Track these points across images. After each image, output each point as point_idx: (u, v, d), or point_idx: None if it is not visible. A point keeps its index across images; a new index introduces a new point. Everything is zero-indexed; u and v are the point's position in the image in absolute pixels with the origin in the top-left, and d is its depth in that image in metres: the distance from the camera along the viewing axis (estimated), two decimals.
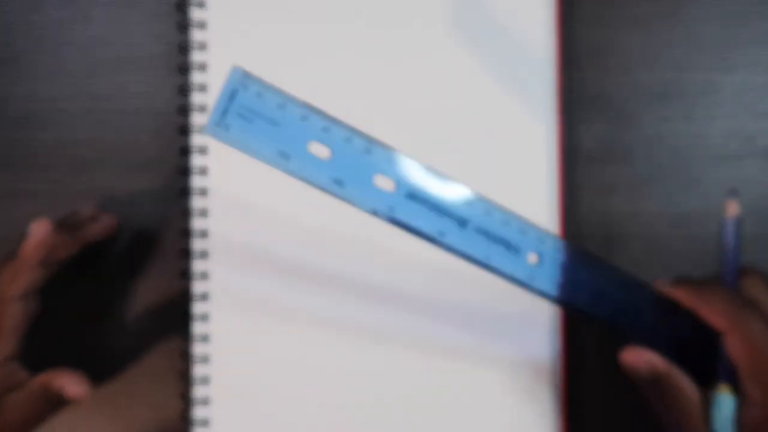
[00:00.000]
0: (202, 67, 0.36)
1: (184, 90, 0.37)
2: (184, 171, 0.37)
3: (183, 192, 0.37)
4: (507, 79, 0.37)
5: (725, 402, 0.30)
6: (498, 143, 0.37)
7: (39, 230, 0.33)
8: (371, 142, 0.27)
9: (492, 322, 0.37)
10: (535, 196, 0.37)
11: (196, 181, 0.36)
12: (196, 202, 0.36)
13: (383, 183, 0.27)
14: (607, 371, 0.38)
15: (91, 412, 0.38)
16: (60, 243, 0.34)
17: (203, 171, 0.36)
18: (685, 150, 0.38)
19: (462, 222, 0.27)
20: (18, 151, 0.39)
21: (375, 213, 0.27)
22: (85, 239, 0.35)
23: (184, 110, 0.36)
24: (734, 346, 0.30)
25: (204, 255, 0.36)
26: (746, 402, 0.30)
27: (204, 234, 0.36)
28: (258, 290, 0.37)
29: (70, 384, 0.33)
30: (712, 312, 0.31)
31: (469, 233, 0.28)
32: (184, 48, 0.37)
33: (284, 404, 0.37)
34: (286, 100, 0.26)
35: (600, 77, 0.38)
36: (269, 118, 0.26)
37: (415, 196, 0.27)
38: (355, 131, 0.27)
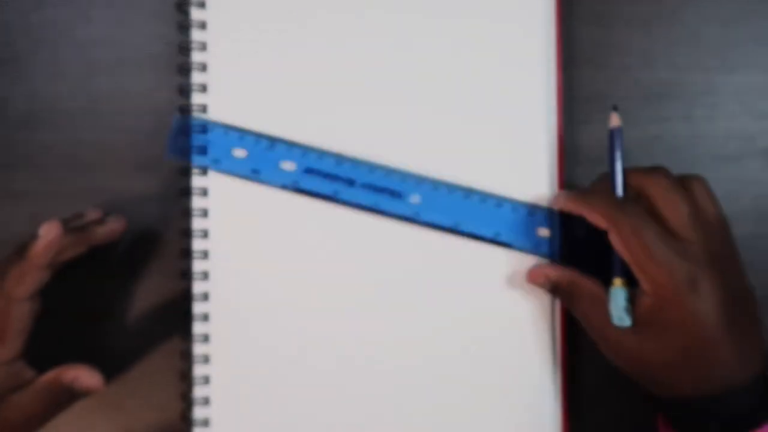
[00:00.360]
0: (202, 68, 0.36)
1: (184, 90, 0.37)
2: (184, 171, 0.37)
3: (183, 192, 0.37)
4: (507, 79, 0.37)
5: (617, 294, 0.33)
6: (498, 143, 0.37)
7: (50, 232, 0.33)
8: (273, 140, 0.36)
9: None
10: (534, 196, 0.37)
11: (196, 181, 0.37)
12: (196, 202, 0.36)
13: (287, 165, 0.36)
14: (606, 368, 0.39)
15: (92, 413, 0.39)
16: (67, 245, 0.34)
17: (203, 171, 0.36)
18: (685, 150, 0.38)
19: (350, 182, 0.36)
20: (18, 151, 0.39)
21: (284, 187, 0.36)
22: (92, 242, 0.35)
23: (184, 110, 0.36)
24: (615, 241, 0.32)
25: (204, 255, 0.36)
26: (640, 293, 0.32)
27: (204, 234, 0.36)
28: (258, 290, 0.37)
29: (84, 376, 0.33)
30: (594, 213, 0.33)
31: (358, 189, 0.36)
32: (184, 48, 0.37)
33: (284, 404, 0.37)
34: (210, 124, 0.36)
35: (600, 77, 0.38)
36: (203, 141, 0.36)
37: (311, 170, 0.36)
38: (261, 135, 0.36)
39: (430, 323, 0.37)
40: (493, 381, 0.37)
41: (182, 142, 0.36)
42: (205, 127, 0.36)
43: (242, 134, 0.36)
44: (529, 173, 0.37)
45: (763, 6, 0.38)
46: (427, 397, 0.37)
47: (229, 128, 0.36)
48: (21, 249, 0.33)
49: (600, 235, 0.33)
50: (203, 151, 0.36)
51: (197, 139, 0.36)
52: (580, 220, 0.34)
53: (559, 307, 0.37)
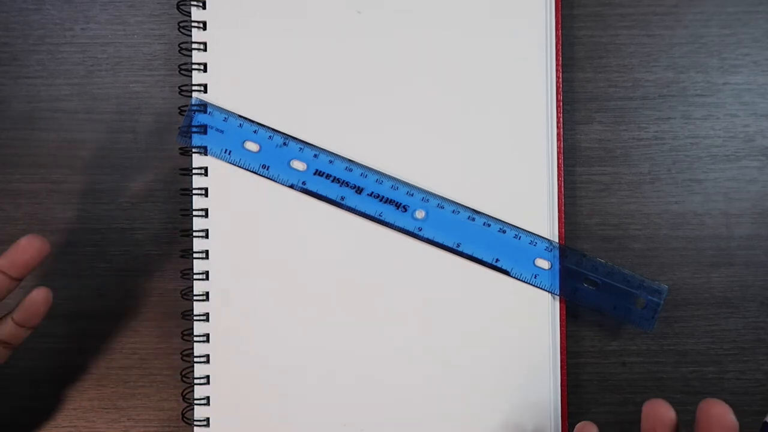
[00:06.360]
0: (202, 67, 0.36)
1: (184, 90, 0.37)
2: (184, 171, 0.37)
3: (183, 192, 0.37)
4: (507, 79, 0.37)
5: None
6: (498, 143, 0.37)
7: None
8: (287, 138, 0.37)
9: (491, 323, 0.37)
10: (534, 196, 0.37)
11: (196, 181, 0.37)
12: (196, 202, 0.37)
13: (297, 165, 0.37)
14: (605, 372, 0.39)
15: (92, 412, 0.39)
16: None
17: (203, 171, 0.36)
18: (685, 150, 0.38)
19: (358, 189, 0.36)
20: (18, 151, 0.39)
21: (292, 186, 0.37)
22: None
23: (184, 110, 0.36)
24: None
25: (204, 255, 0.36)
26: None
27: (204, 234, 0.36)
28: (258, 290, 0.37)
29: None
30: None
31: (364, 197, 0.36)
32: (184, 48, 0.37)
33: (284, 404, 0.37)
34: (228, 114, 0.37)
35: (600, 77, 0.39)
36: (217, 128, 0.36)
37: (321, 172, 0.36)
38: (274, 131, 0.37)
39: (427, 327, 0.37)
40: (493, 382, 0.37)
41: (196, 127, 0.36)
42: (221, 115, 0.36)
43: (257, 128, 0.36)
44: (528, 173, 0.37)
45: (763, 6, 0.38)
46: (426, 399, 0.37)
47: (244, 120, 0.36)
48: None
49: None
50: (216, 138, 0.36)
51: (212, 125, 0.36)
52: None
53: (559, 309, 0.37)
